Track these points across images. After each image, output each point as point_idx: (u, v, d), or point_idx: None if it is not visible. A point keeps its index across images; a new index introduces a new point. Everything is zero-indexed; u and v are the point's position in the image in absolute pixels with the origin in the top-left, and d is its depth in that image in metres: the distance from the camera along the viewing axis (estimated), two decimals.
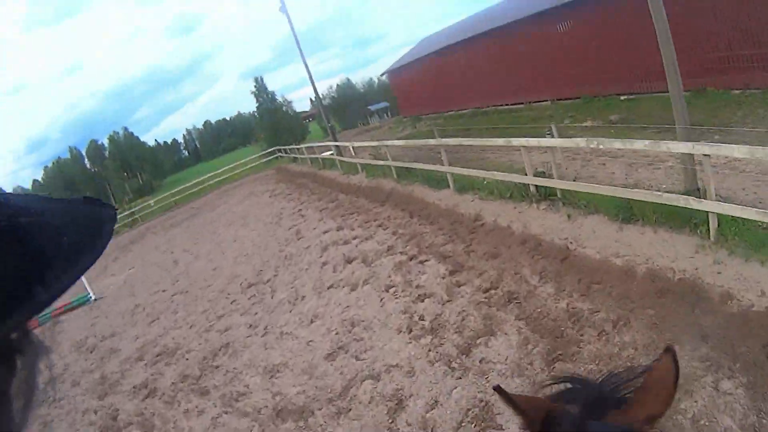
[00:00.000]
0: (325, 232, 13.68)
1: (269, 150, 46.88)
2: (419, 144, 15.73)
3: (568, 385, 1.16)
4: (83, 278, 17.92)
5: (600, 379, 1.14)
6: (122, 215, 46.78)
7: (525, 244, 8.56)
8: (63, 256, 0.59)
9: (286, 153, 39.82)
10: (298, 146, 35.16)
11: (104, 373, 10.66)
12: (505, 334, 6.37)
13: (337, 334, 7.97)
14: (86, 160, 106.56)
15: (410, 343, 6.92)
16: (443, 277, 8.45)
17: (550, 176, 9.69)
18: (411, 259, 9.70)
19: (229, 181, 42.99)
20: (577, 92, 24.36)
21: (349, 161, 21.80)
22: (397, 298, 8.37)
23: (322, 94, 73.14)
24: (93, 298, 17.88)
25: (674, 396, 1.06)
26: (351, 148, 22.45)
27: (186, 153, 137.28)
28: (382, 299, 8.54)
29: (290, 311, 9.65)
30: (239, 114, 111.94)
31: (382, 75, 54.68)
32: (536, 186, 10.01)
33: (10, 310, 0.52)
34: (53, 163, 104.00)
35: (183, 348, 10.12)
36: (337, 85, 79.82)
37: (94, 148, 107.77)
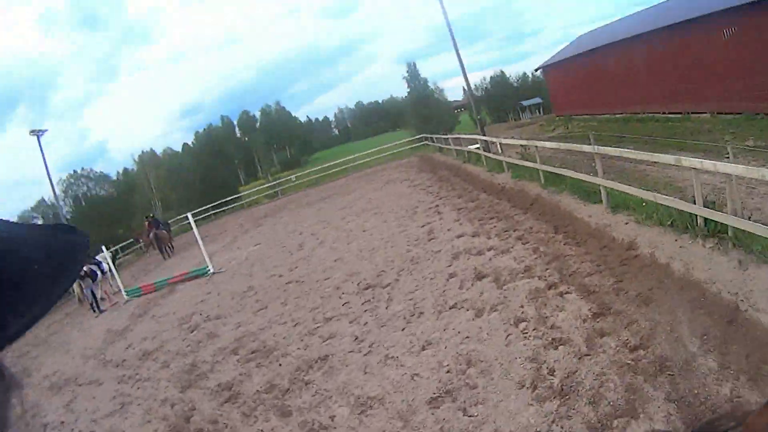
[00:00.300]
0: (459, 236, 12.65)
1: (417, 137, 46.31)
2: (572, 149, 14.23)
3: None
4: (204, 250, 18.20)
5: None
6: (265, 187, 48.18)
7: (685, 291, 6.88)
8: (34, 285, 0.58)
9: (432, 142, 39.10)
10: (445, 136, 34.27)
11: (196, 360, 10.55)
12: (650, 419, 4.93)
13: (448, 372, 6.87)
14: (237, 129, 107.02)
15: (532, 405, 5.69)
16: (584, 320, 6.98)
17: (722, 208, 8.02)
18: (550, 288, 8.26)
19: (372, 164, 43.00)
20: (739, 107, 22.04)
21: (495, 158, 20.66)
22: (526, 337, 7.04)
23: (475, 85, 72.30)
24: (212, 271, 18.36)
25: None
26: (498, 145, 21.39)
27: (336, 132, 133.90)
28: (508, 336, 7.25)
29: (402, 329, 8.67)
30: (391, 98, 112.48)
31: (536, 70, 52.66)
32: (705, 219, 8.20)
33: None
34: (204, 129, 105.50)
35: (280, 349, 9.59)
36: (491, 77, 78.04)
37: (246, 118, 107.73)
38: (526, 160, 16.62)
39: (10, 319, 0.52)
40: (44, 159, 37.20)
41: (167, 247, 30.36)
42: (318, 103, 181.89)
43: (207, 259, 18.61)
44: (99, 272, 20.73)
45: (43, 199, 57.22)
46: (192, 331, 12.62)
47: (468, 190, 18.30)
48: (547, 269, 9.04)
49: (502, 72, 77.89)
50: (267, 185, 49.55)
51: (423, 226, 14.90)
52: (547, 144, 15.96)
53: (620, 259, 8.51)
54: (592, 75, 36.99)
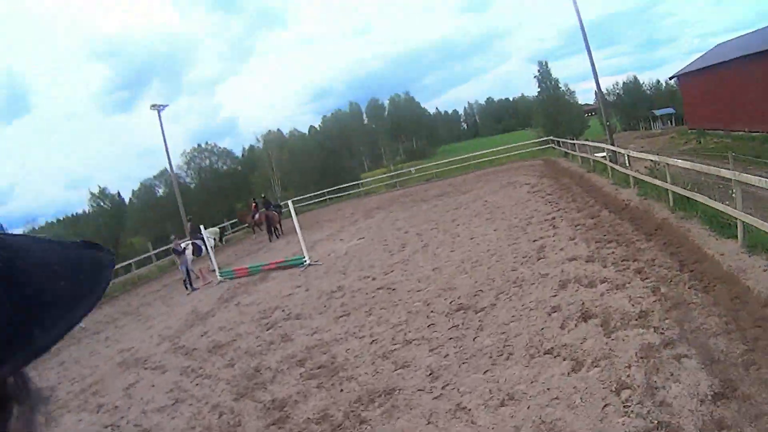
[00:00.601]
0: (572, 259, 11.38)
1: (543, 139, 45.20)
2: (708, 171, 12.23)
3: None
4: (302, 241, 18.10)
5: None
6: (385, 176, 48.25)
7: None
8: (61, 300, 0.59)
9: (558, 145, 37.78)
10: (572, 141, 33.03)
11: (261, 364, 10.28)
12: None
13: None
14: (364, 115, 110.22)
15: None
16: (702, 401, 5.35)
17: None
18: (666, 346, 6.59)
19: (495, 163, 42.10)
20: None
21: (621, 171, 19.49)
22: (627, 413, 5.54)
23: (607, 90, 70.35)
24: (307, 263, 18.40)
25: None
26: (626, 157, 20.20)
27: (465, 126, 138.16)
28: (606, 406, 5.78)
29: (485, 372, 7.40)
30: (522, 96, 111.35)
31: (671, 78, 49.98)
32: None
33: (7, 354, 0.52)
34: (332, 113, 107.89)
35: (348, 370, 8.83)
36: (624, 83, 75.39)
37: (374, 106, 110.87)
38: (656, 178, 15.39)
39: (37, 333, 0.52)
40: (163, 132, 39.80)
41: (275, 229, 30.88)
42: (448, 97, 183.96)
43: (304, 250, 18.62)
44: (203, 248, 21.08)
45: (166, 169, 59.66)
46: (268, 329, 12.50)
47: (589, 203, 17.20)
48: (666, 318, 7.41)
49: (635, 78, 75.40)
50: (387, 175, 49.67)
51: (535, 240, 13.91)
52: (680, 162, 14.60)
53: (753, 319, 6.71)
54: (730, 87, 34.30)
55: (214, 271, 21.15)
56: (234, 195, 66.74)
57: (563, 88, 63.46)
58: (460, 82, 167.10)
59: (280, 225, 31.25)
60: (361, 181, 51.25)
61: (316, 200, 46.68)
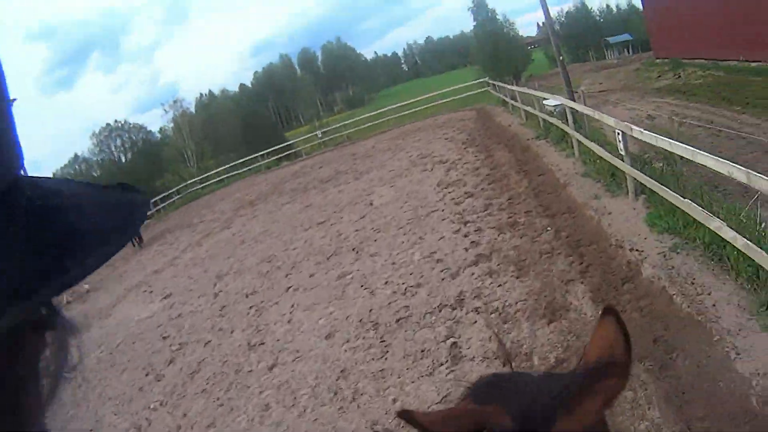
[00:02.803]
0: None
1: (477, 81, 36.22)
2: None
3: (498, 387, 0.93)
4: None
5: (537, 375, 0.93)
6: (310, 135, 39.35)
7: None
8: (94, 235, 0.60)
9: (496, 90, 28.63)
10: (511, 87, 23.77)
11: None
12: None
13: None
14: (297, 68, 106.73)
15: None
16: None
17: None
18: None
19: (420, 116, 33.45)
20: None
21: (596, 150, 10.33)
22: None
23: (554, 20, 62.93)
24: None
25: (630, 367, 0.85)
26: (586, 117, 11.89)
27: (405, 68, 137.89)
28: None
29: None
30: (462, 33, 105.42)
31: None
32: None
33: (40, 284, 0.52)
34: (264, 68, 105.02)
35: None
36: (568, 11, 66.30)
37: (306, 56, 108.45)
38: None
39: (69, 264, 0.53)
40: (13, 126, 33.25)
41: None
42: (389, 39, 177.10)
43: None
44: None
45: (76, 155, 55.91)
46: None
47: (534, 217, 9.24)
48: None
49: (583, 3, 66.26)
50: (312, 134, 40.73)
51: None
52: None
53: None
54: (716, 2, 25.75)
55: None
56: (146, 176, 56.77)
57: (501, 19, 54.82)
58: (400, 23, 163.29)
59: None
60: (293, 142, 42.11)
61: (226, 176, 38.32)
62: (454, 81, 41.62)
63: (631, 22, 52.17)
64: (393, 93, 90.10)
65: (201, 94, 76.35)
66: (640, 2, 37.91)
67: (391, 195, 14.64)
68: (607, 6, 64.41)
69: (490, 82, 31.27)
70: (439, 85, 42.76)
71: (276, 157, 37.20)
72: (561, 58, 18.61)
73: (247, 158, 38.68)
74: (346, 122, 38.53)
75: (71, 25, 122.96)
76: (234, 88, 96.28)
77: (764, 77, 20.19)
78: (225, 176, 38.49)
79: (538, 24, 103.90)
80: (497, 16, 54.27)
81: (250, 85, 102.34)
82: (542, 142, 14.68)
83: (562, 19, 64.85)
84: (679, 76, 25.91)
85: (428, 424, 0.81)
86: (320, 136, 36.64)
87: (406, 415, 0.82)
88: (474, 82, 36.65)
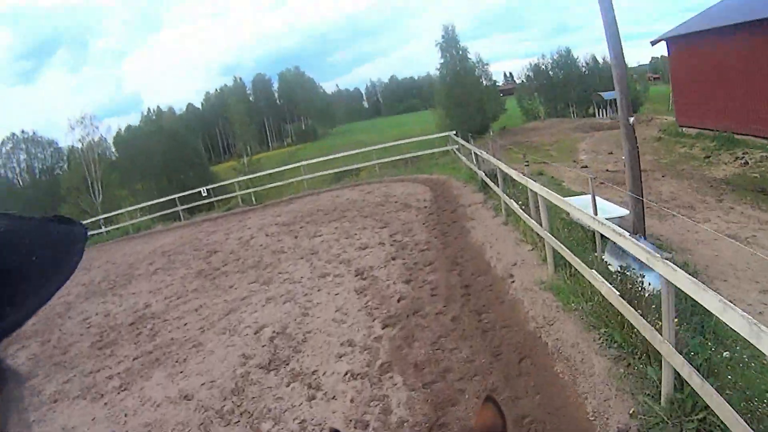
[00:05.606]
0: None
1: (439, 135, 27.97)
2: None
3: None
4: None
5: None
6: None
7: None
8: (33, 276, 0.58)
9: (457, 151, 21.05)
10: (472, 146, 15.20)
11: None
12: None
13: None
14: (250, 94, 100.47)
15: None
16: None
17: None
18: None
19: (349, 178, 25.13)
20: None
21: None
22: None
23: (528, 68, 56.10)
24: None
25: None
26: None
27: (366, 105, 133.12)
28: None
29: None
30: (428, 75, 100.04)
31: (654, 43, 29.28)
32: None
33: None
34: (216, 90, 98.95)
35: None
36: (553, 59, 56.98)
37: (261, 82, 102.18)
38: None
39: (8, 311, 0.52)
40: None
41: None
42: (354, 75, 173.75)
43: None
44: None
45: None
46: None
47: None
48: None
49: (568, 50, 56.77)
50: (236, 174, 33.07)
51: None
52: None
53: None
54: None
55: None
56: (44, 205, 46.09)
57: (474, 59, 46.21)
58: (367, 60, 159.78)
59: None
60: (223, 184, 30.47)
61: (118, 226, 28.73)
62: (413, 122, 39.10)
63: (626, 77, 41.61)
64: (348, 130, 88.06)
65: (149, 109, 70.32)
66: (666, 52, 28.14)
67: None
68: (594, 58, 55.19)
69: (456, 140, 22.41)
70: (396, 128, 40.47)
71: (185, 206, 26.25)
72: (632, 119, 9.62)
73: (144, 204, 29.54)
74: (272, 171, 27.97)
75: (40, 17, 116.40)
76: (198, 105, 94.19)
77: None
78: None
79: (504, 74, 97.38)
80: (468, 55, 45.59)
81: (199, 106, 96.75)
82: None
83: (545, 65, 55.93)
84: (746, 162, 16.89)
85: None
86: (204, 194, 25.72)
87: None
88: (433, 136, 28.32)
